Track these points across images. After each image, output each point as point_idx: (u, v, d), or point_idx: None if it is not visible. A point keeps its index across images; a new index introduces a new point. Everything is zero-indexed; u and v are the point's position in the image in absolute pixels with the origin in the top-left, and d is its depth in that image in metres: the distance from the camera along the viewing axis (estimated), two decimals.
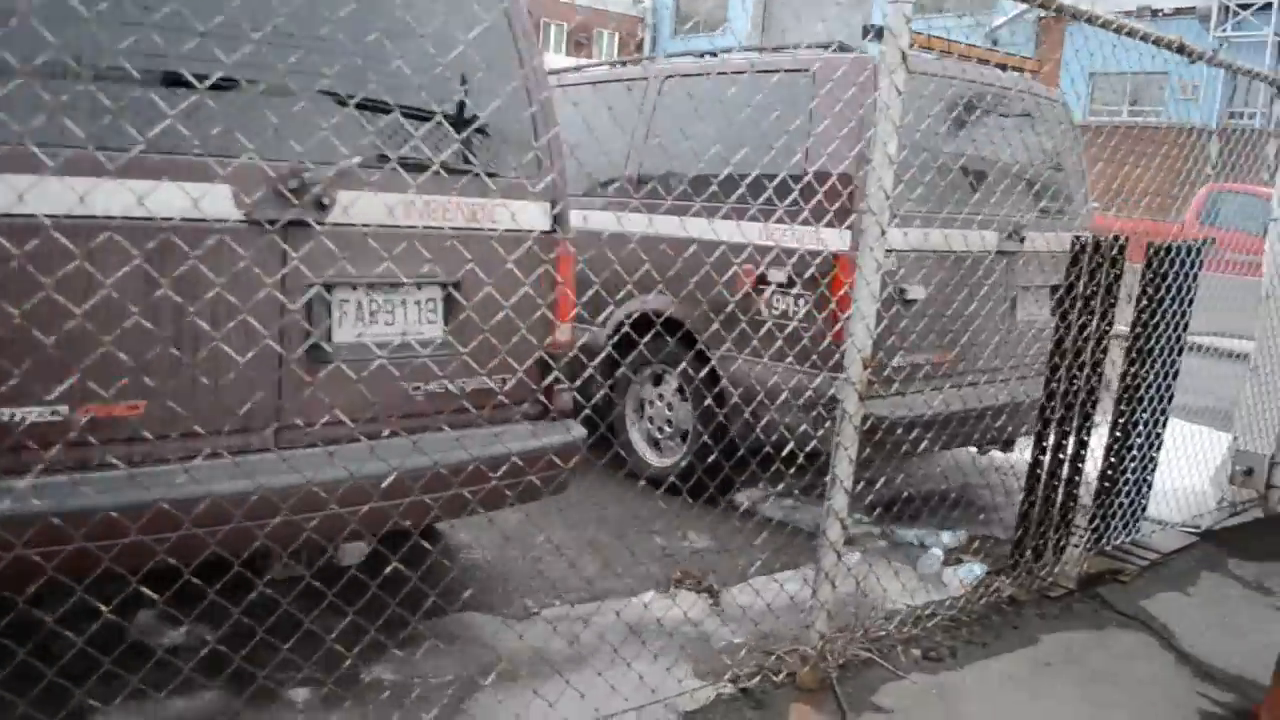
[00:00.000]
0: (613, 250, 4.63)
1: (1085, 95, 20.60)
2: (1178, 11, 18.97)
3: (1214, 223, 10.58)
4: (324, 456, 2.73)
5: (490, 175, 3.07)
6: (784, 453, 3.59)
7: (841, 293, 3.93)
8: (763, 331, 4.10)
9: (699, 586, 3.66)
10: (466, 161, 3.04)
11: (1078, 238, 3.80)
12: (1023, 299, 4.56)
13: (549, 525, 4.05)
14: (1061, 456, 3.96)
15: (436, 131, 2.95)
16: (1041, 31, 20.27)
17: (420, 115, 2.91)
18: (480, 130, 3.09)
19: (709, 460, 4.06)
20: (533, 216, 3.17)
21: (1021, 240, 4.44)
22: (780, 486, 4.68)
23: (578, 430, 3.29)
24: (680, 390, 4.67)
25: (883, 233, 2.77)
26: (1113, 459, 4.14)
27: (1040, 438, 3.91)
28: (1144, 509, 4.46)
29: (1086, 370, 3.91)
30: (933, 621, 3.44)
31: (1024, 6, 3.50)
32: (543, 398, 3.27)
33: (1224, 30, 20.17)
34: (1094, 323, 3.86)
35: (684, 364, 4.16)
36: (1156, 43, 3.43)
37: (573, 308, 3.32)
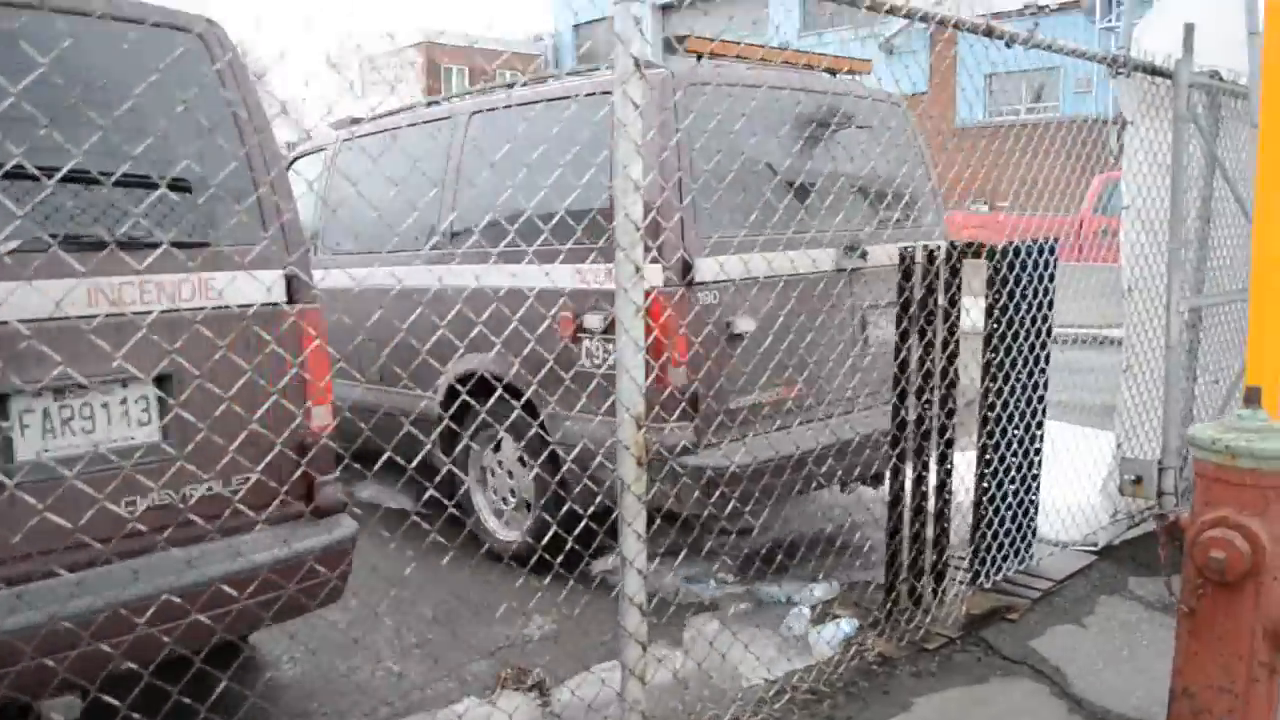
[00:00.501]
0: (433, 309, 4.22)
1: (982, 96, 20.72)
2: (1062, 7, 19.16)
3: (1108, 211, 10.43)
4: (11, 599, 2.27)
5: (198, 246, 2.63)
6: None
7: (660, 335, 3.55)
8: (588, 384, 3.70)
9: (528, 684, 3.20)
10: (170, 234, 2.60)
11: (904, 249, 3.46)
12: (873, 318, 4.19)
13: (382, 620, 3.64)
14: (924, 489, 3.59)
15: (124, 204, 2.52)
16: (936, 38, 20.34)
17: (102, 184, 2.47)
18: (183, 197, 2.65)
19: (551, 530, 3.63)
20: (259, 288, 2.73)
21: (864, 256, 4.09)
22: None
23: (346, 527, 2.84)
24: (520, 456, 4.22)
25: (637, 270, 2.37)
26: (984, 484, 3.77)
27: (894, 472, 3.54)
28: (1033, 532, 4.09)
29: (937, 392, 3.55)
30: (785, 699, 3.01)
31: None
32: (299, 495, 2.82)
33: (1109, 21, 20.42)
34: (937, 339, 3.51)
35: (515, 426, 3.75)
36: (957, 26, 3.11)
37: (327, 388, 2.89)
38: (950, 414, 3.69)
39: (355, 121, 5.42)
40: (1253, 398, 2.64)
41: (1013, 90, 21.38)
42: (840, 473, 3.86)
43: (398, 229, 4.65)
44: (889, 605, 3.55)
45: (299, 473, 2.76)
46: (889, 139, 4.46)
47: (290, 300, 2.81)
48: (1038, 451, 4.02)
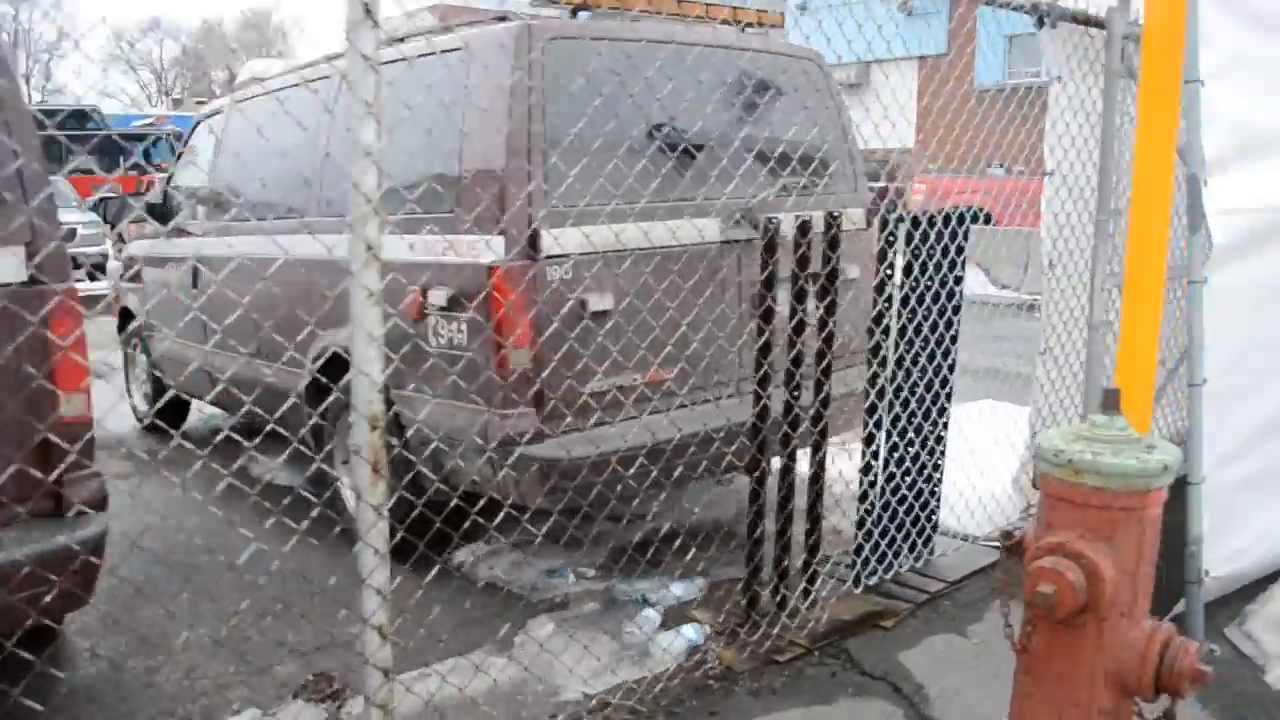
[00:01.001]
0: (293, 281, 3.95)
1: (1001, 58, 19.87)
2: None
3: None
4: None
5: None
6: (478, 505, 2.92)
7: (501, 313, 3.24)
8: (432, 364, 3.42)
9: (325, 693, 2.94)
10: None
11: (768, 218, 3.11)
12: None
13: (211, 612, 3.45)
14: (791, 480, 3.27)
15: None
16: None
17: None
18: None
19: (408, 516, 3.35)
20: None
21: (754, 225, 3.72)
22: (510, 539, 3.98)
23: (97, 526, 2.59)
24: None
25: (369, 249, 2.05)
26: (868, 475, 3.43)
27: (754, 464, 3.22)
28: (933, 526, 3.75)
29: (808, 376, 3.22)
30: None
31: None
32: (44, 491, 2.56)
33: None
34: (810, 319, 3.18)
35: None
36: None
37: (84, 375, 2.62)
38: (826, 400, 3.36)
39: (258, 82, 5.13)
40: (1110, 402, 2.24)
41: (1034, 52, 20.45)
42: (712, 462, 3.53)
43: (269, 196, 4.39)
44: (747, 610, 3.25)
45: (41, 467, 2.50)
46: (800, 99, 4.07)
47: (34, 280, 2.54)
48: (940, 439, 3.67)
